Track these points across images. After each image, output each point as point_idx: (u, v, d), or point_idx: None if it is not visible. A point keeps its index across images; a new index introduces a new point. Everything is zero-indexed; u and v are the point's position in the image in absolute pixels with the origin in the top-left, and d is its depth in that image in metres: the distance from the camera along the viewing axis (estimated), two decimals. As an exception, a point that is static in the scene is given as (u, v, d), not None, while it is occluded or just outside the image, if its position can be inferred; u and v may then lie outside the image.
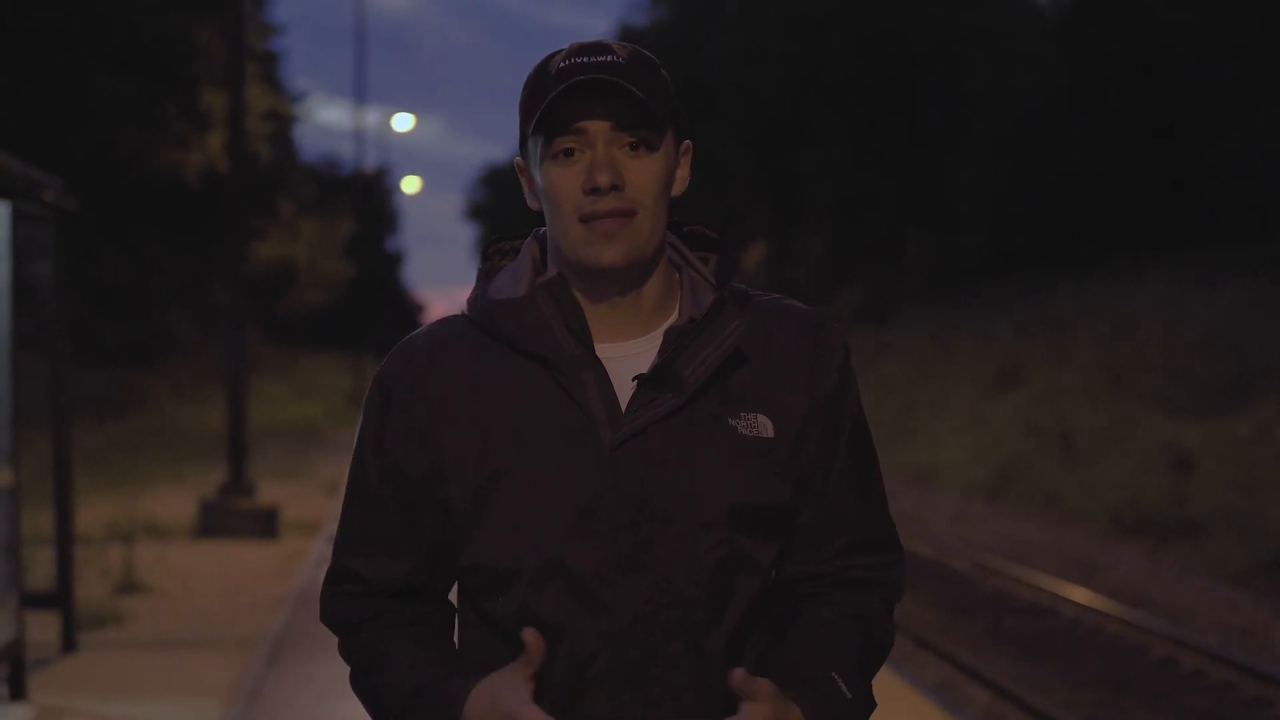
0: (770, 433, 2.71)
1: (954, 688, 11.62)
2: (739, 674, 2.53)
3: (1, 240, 10.03)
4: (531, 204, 2.78)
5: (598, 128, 2.64)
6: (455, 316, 2.84)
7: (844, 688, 2.70)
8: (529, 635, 2.53)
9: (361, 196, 71.82)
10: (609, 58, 2.66)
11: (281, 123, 51.31)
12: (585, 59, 2.66)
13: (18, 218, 10.39)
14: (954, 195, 44.78)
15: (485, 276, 2.84)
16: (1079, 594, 14.44)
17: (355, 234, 63.71)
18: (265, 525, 18.15)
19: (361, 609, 2.78)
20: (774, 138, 52.83)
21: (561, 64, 2.67)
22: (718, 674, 2.66)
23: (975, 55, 44.75)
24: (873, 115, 48.36)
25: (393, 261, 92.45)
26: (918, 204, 47.30)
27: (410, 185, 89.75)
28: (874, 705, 2.80)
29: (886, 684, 10.49)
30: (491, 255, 2.89)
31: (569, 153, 2.66)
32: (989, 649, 13.00)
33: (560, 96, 2.63)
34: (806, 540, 2.78)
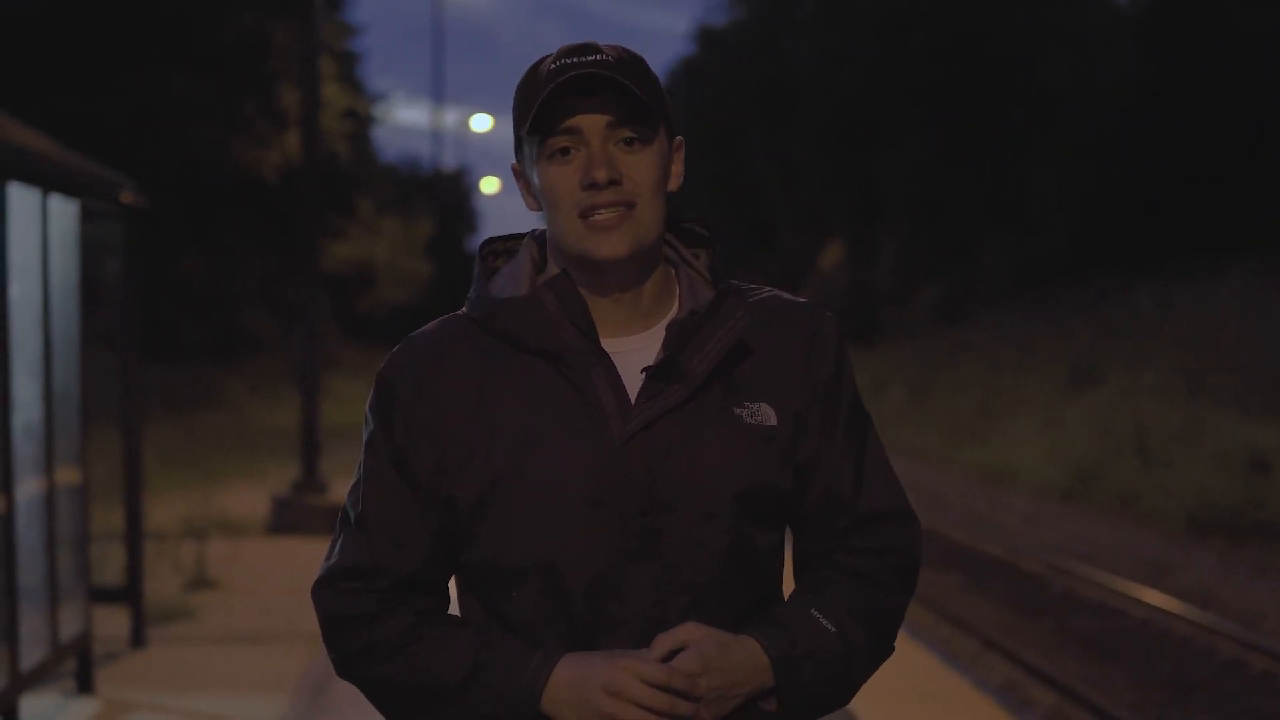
0: (773, 420, 2.78)
1: (1020, 688, 11.56)
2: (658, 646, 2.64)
3: (70, 238, 10.11)
4: (529, 205, 2.84)
5: (592, 124, 2.70)
6: (456, 316, 2.88)
7: (825, 622, 2.75)
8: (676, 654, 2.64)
9: (441, 196, 71.98)
10: (597, 57, 2.71)
11: (360, 122, 51.48)
12: (574, 59, 2.71)
13: (87, 216, 10.48)
14: (1032, 195, 44.53)
15: (483, 277, 2.88)
16: (1149, 595, 14.35)
17: (435, 234, 63.86)
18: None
19: (374, 601, 2.79)
20: (852, 137, 52.69)
21: (551, 65, 2.72)
22: None
23: (1054, 55, 44.49)
24: (951, 115, 48.17)
25: (472, 261, 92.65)
26: (996, 204, 47.07)
27: (489, 186, 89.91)
28: (887, 651, 2.88)
29: (949, 684, 10.48)
30: (486, 257, 2.94)
31: (565, 152, 2.71)
32: (1057, 650, 12.93)
33: (553, 94, 2.68)
34: (812, 521, 2.86)
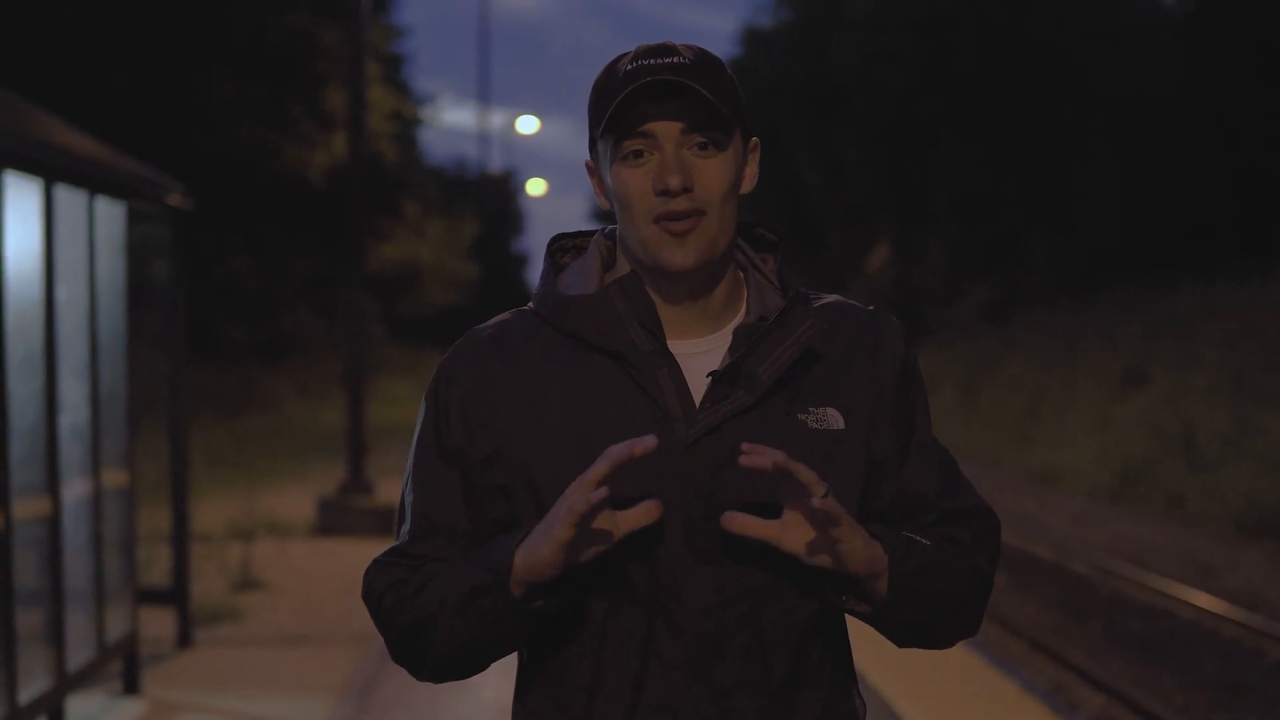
0: (841, 425, 2.76)
1: (1068, 690, 11.52)
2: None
3: (117, 240, 10.14)
4: (602, 204, 2.83)
5: (666, 130, 2.68)
6: (522, 310, 2.87)
7: (920, 539, 2.75)
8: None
9: (487, 198, 72.17)
10: (675, 59, 2.69)
11: (406, 124, 51.58)
12: (652, 60, 2.69)
13: (135, 218, 10.51)
14: (1080, 195, 44.38)
15: (551, 273, 2.88)
16: (1197, 597, 14.28)
17: (481, 235, 63.99)
18: (383, 523, 18.25)
19: (408, 571, 2.80)
20: (898, 137, 52.58)
21: (629, 66, 2.70)
22: (782, 666, 2.73)
23: (1100, 54, 44.33)
24: (998, 115, 48.05)
25: (519, 263, 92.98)
26: (1043, 204, 46.93)
27: (535, 187, 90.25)
28: (979, 602, 2.86)
29: (996, 685, 10.43)
30: (555, 253, 2.93)
31: (638, 154, 2.69)
32: (1105, 651, 12.89)
33: (628, 99, 2.66)
34: (894, 521, 2.83)
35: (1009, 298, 46.93)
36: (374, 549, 16.92)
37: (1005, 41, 47.66)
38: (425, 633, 2.74)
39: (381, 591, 2.81)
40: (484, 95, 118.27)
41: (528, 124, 66.62)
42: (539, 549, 2.58)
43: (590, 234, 2.94)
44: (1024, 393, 34.14)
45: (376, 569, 2.83)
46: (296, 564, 16.03)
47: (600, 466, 2.53)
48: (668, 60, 2.68)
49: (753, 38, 68.11)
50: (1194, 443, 23.23)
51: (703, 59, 2.71)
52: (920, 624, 2.77)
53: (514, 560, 2.61)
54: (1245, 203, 36.39)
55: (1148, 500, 22.08)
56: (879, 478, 2.80)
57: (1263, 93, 35.77)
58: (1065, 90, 46.23)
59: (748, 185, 2.80)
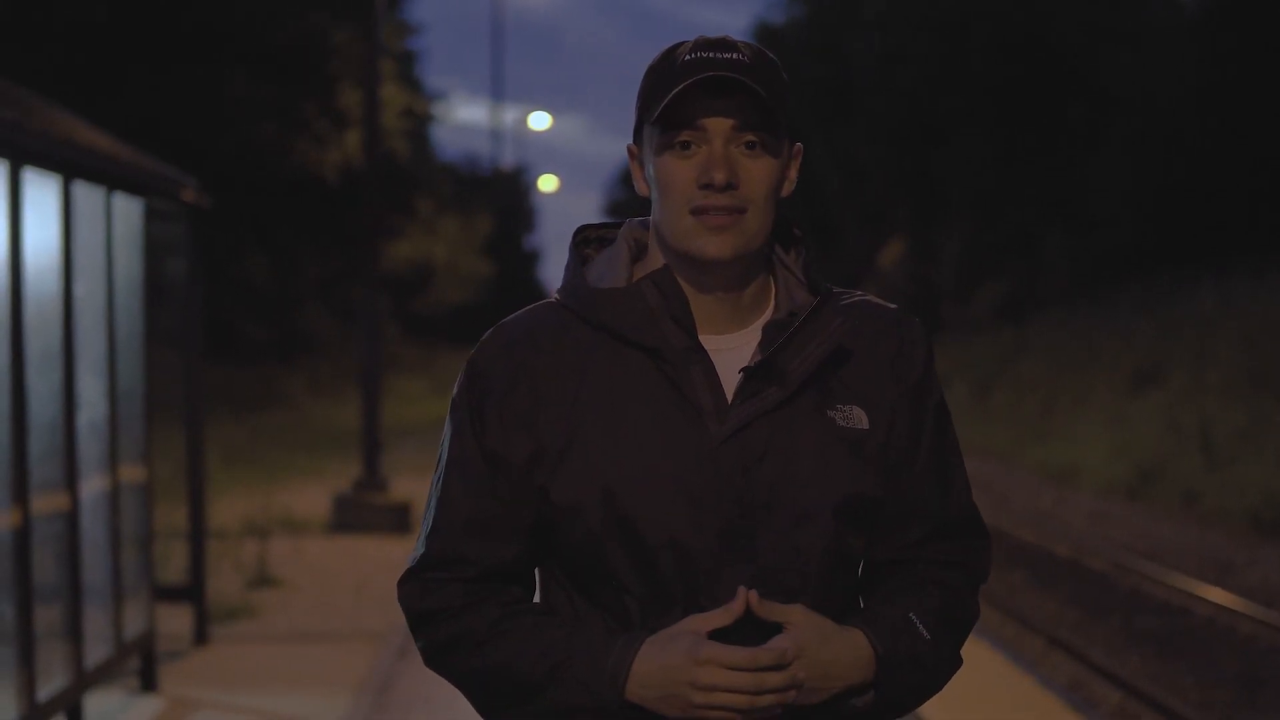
0: (865, 424, 2.76)
1: (1085, 686, 11.50)
2: (754, 598, 2.62)
3: (134, 237, 10.15)
4: (640, 190, 2.82)
5: (718, 125, 2.67)
6: (549, 303, 2.84)
7: (921, 628, 2.75)
8: (744, 593, 2.60)
9: (500, 195, 72.19)
10: (735, 55, 2.69)
11: (418, 121, 51.56)
12: (711, 54, 2.68)
13: (152, 215, 10.52)
14: (1095, 193, 44.32)
15: (576, 265, 2.85)
16: (1215, 593, 14.26)
17: (493, 232, 63.98)
18: (398, 520, 18.29)
19: (461, 593, 2.76)
20: (912, 135, 52.52)
21: (687, 57, 2.69)
22: None
23: (1114, 52, 44.27)
24: (1013, 113, 47.99)
25: (531, 259, 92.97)
26: (1058, 202, 46.87)
27: (548, 184, 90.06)
28: (960, 663, 2.86)
29: (1014, 682, 10.43)
30: (579, 245, 2.91)
31: (686, 145, 2.68)
32: (1122, 648, 12.86)
33: (685, 91, 2.65)
34: (890, 527, 2.83)
35: (1024, 295, 46.87)
36: (389, 545, 16.95)
37: (1019, 41, 47.59)
38: (490, 692, 2.75)
39: (429, 614, 2.78)
40: (497, 91, 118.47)
41: (540, 120, 66.48)
42: (653, 704, 2.61)
43: (615, 225, 2.92)
44: (1039, 390, 34.13)
45: (421, 589, 2.80)
46: (312, 561, 16.04)
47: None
48: (727, 56, 2.68)
49: (765, 34, 68.07)
50: (1210, 439, 23.19)
51: (760, 58, 2.71)
52: (906, 710, 2.81)
53: (624, 693, 2.62)
54: (1259, 201, 36.32)
55: (1164, 497, 22.05)
56: (890, 479, 2.80)
57: (1276, 92, 35.70)
58: (1079, 89, 46.14)
59: (787, 189, 2.81)
